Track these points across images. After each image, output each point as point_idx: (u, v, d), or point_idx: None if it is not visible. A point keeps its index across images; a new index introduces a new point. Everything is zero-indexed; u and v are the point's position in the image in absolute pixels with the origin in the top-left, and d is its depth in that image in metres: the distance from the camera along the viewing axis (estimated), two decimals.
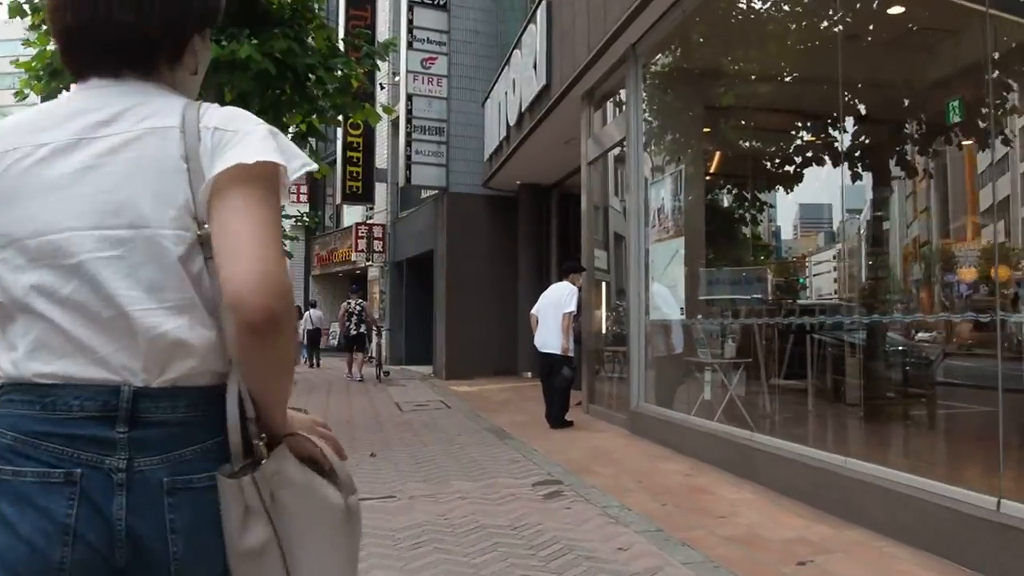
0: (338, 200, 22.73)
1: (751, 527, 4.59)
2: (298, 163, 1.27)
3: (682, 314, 7.35)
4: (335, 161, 22.05)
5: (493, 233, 16.97)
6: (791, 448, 5.35)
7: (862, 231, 7.37)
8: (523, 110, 12.18)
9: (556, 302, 8.84)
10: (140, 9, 1.27)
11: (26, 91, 9.70)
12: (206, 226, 1.19)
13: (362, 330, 16.80)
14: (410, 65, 16.65)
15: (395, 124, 20.29)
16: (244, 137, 1.22)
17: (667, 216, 7.52)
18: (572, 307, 8.71)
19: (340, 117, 11.59)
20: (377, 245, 21.99)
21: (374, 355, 17.47)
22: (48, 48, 9.36)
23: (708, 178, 8.10)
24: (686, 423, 6.97)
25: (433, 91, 16.86)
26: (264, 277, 1.12)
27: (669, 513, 4.97)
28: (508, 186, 16.51)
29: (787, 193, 8.04)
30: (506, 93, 13.34)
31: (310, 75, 10.08)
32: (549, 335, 8.76)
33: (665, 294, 7.74)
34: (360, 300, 17.32)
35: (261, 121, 1.28)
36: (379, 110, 12.50)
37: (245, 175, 1.18)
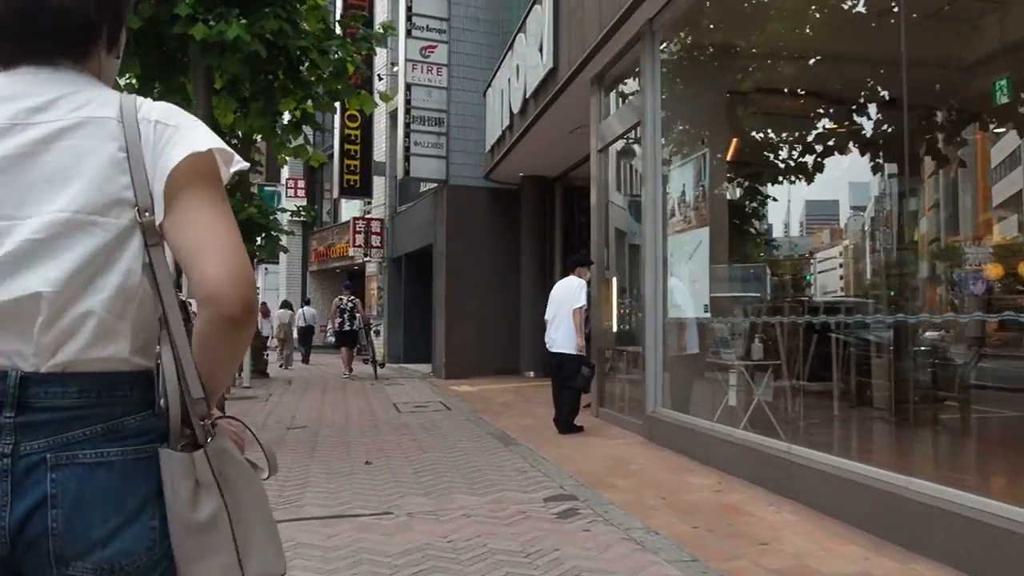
0: (335, 194, 22.17)
1: (800, 557, 4.00)
2: (234, 160, 1.31)
3: (706, 312, 6.76)
4: (332, 154, 21.52)
5: (495, 227, 16.38)
6: (839, 464, 4.76)
7: (893, 224, 6.84)
8: (528, 96, 11.59)
9: (564, 298, 8.28)
10: None
11: None
12: (147, 214, 1.22)
13: (354, 326, 16.65)
14: (409, 54, 16.05)
15: (393, 116, 19.76)
16: (188, 131, 1.26)
17: (688, 205, 6.93)
18: (581, 302, 8.15)
19: (335, 104, 11.02)
20: (375, 240, 21.39)
21: (368, 353, 17.10)
22: None
23: (732, 164, 7.50)
24: (711, 431, 6.38)
25: (432, 80, 16.25)
26: (240, 271, 1.20)
27: (702, 538, 4.38)
28: (510, 178, 15.92)
29: (808, 184, 7.48)
30: (509, 80, 12.75)
31: (303, 59, 9.50)
32: (558, 333, 8.19)
33: (684, 290, 7.16)
34: (352, 297, 17.08)
35: (196, 118, 1.31)
36: (376, 98, 11.94)
37: (199, 169, 1.23)
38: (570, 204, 16.49)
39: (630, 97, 8.98)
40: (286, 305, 22.25)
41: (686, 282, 7.12)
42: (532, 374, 15.52)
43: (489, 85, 14.83)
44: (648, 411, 7.54)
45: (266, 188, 21.57)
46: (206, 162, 1.24)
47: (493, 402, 11.54)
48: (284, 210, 20.81)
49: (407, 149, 15.90)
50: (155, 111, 1.27)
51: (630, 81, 9.02)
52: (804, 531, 4.41)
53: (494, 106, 14.29)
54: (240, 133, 15.47)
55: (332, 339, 17.97)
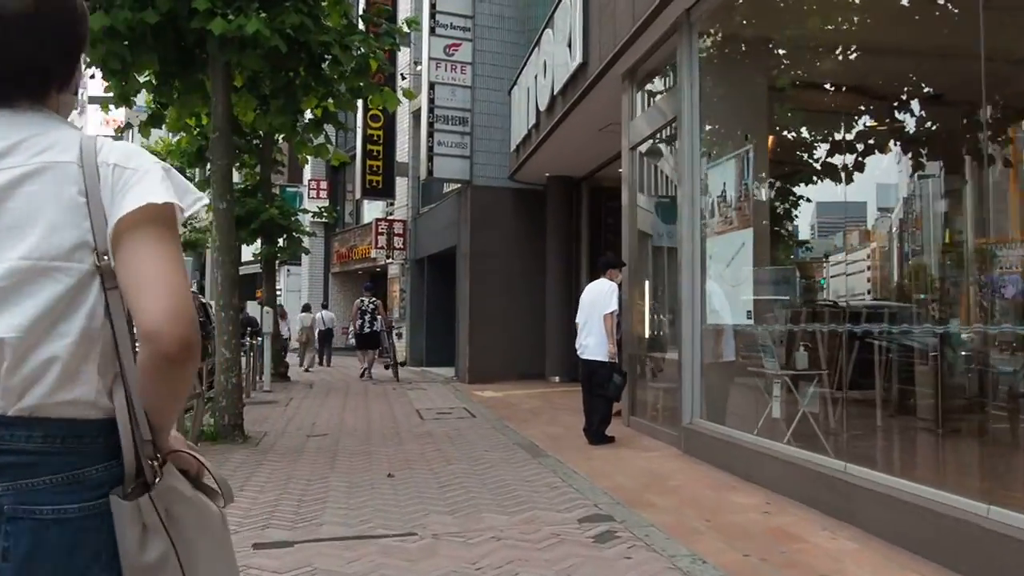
0: (358, 195, 21.91)
1: None
2: (191, 199, 1.33)
3: (749, 318, 6.37)
4: (354, 155, 21.27)
5: (519, 229, 16.04)
6: (905, 488, 4.35)
7: (933, 225, 6.45)
8: (555, 94, 11.24)
9: (595, 302, 7.92)
10: (38, 39, 1.31)
11: None
12: (106, 258, 1.24)
13: (375, 328, 16.48)
14: (433, 52, 15.76)
15: (416, 116, 19.49)
16: (144, 176, 1.28)
17: (729, 205, 6.55)
18: (613, 306, 7.78)
19: (358, 102, 10.74)
20: (397, 242, 21.12)
21: (390, 355, 16.86)
22: None
23: (775, 162, 7.11)
24: (755, 446, 6.00)
25: (456, 79, 15.95)
26: (178, 309, 1.20)
27: (756, 569, 4.00)
28: (536, 179, 15.58)
29: (845, 184, 7.08)
30: (536, 77, 12.40)
31: (325, 55, 9.21)
32: (590, 339, 7.83)
33: (724, 295, 6.78)
34: (373, 298, 16.93)
35: (155, 158, 1.33)
36: (399, 95, 11.63)
37: (150, 214, 1.24)
38: (597, 205, 16.12)
39: (664, 93, 8.61)
40: (307, 308, 22.00)
41: (726, 286, 6.75)
42: (558, 379, 15.16)
43: (515, 83, 14.50)
44: (684, 422, 7.16)
45: (288, 189, 21.35)
46: (158, 208, 1.25)
47: (519, 409, 11.20)
48: (306, 211, 20.57)
49: (430, 149, 15.60)
50: (114, 154, 1.29)
51: (665, 76, 8.65)
52: (870, 562, 4.02)
53: (520, 104, 13.95)
54: (261, 132, 15.29)
55: (352, 341, 17.77)
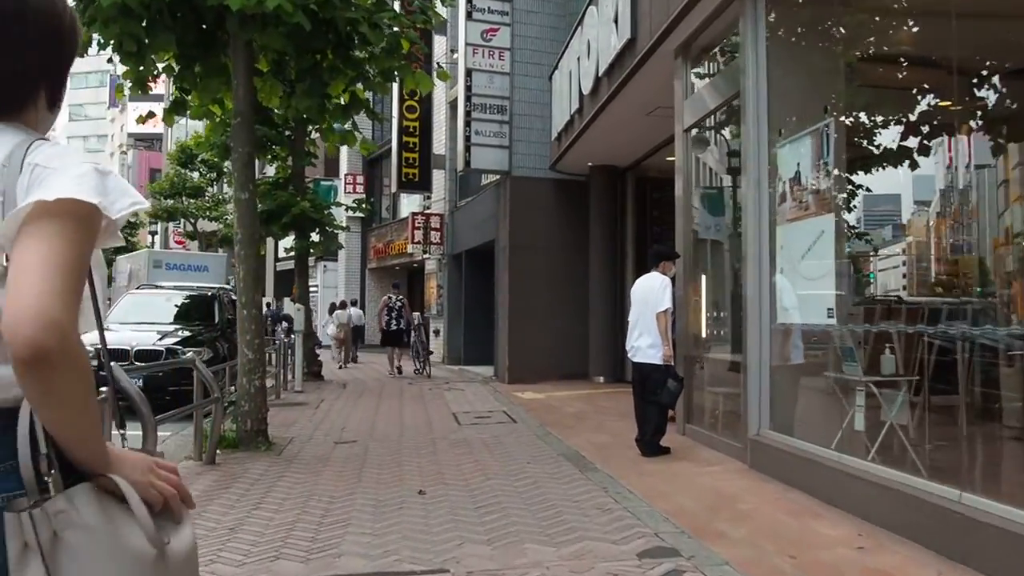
0: (393, 188, 21.30)
1: None
2: (125, 202, 1.26)
3: (831, 316, 5.56)
4: (390, 148, 20.70)
5: (561, 221, 15.32)
6: None
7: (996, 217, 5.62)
8: (600, 75, 10.49)
9: (646, 300, 7.18)
10: (21, 57, 1.32)
11: None
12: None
13: (401, 325, 16.68)
14: (469, 37, 15.09)
15: (453, 107, 18.85)
16: (60, 174, 1.22)
17: (805, 188, 5.75)
18: (667, 303, 7.03)
19: (389, 86, 10.10)
20: (434, 236, 20.48)
21: (415, 352, 16.94)
22: None
23: (855, 141, 6.29)
24: (839, 464, 5.21)
25: (494, 65, 15.27)
26: (35, 310, 1.09)
27: None
28: (578, 169, 14.84)
29: (911, 169, 6.27)
30: (579, 59, 11.67)
31: (353, 34, 8.57)
32: (641, 340, 7.09)
33: (798, 290, 6.00)
34: (401, 296, 17.20)
35: (90, 160, 1.27)
36: (434, 77, 10.97)
37: (46, 211, 1.17)
38: (642, 196, 15.36)
39: (723, 68, 7.83)
40: (343, 305, 21.52)
41: (800, 281, 5.96)
42: (602, 379, 14.42)
43: (555, 68, 13.77)
44: (751, 433, 6.39)
45: (323, 183, 20.83)
46: (51, 204, 1.16)
47: (562, 413, 10.49)
48: (339, 204, 20.03)
49: (467, 139, 14.94)
50: (41, 155, 1.25)
51: (724, 49, 7.88)
52: None
53: (561, 90, 13.22)
54: (292, 122, 14.74)
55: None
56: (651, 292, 7.16)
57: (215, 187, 30.25)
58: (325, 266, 28.46)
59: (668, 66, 8.60)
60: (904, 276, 6.96)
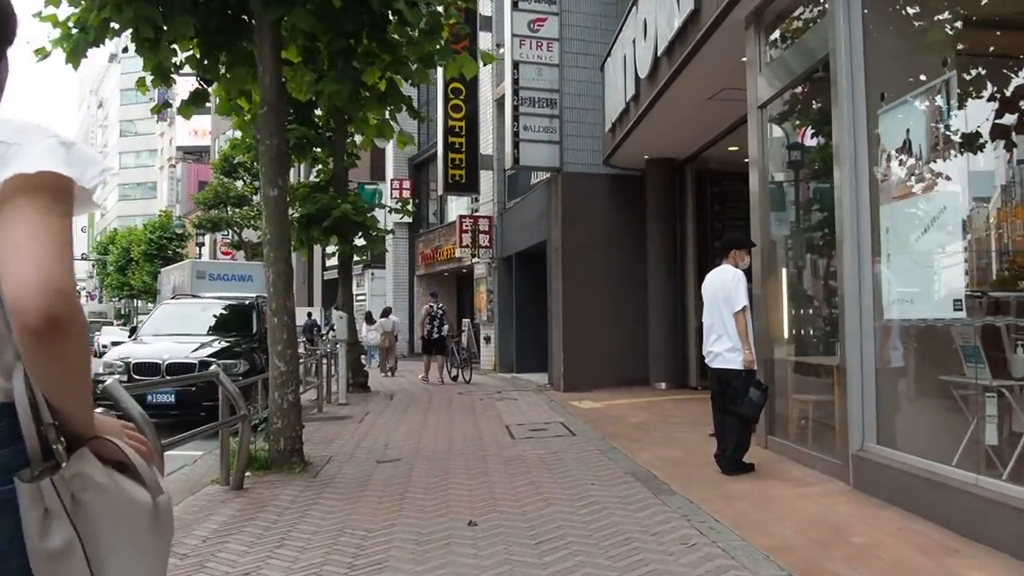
0: (440, 190, 20.64)
1: None
2: (94, 171, 1.27)
3: (958, 309, 4.61)
4: (436, 151, 20.05)
5: (616, 219, 14.44)
6: None
7: None
8: (659, 55, 9.62)
9: (718, 295, 6.29)
10: None
11: (49, 48, 7.80)
12: None
13: (443, 333, 16.67)
14: (516, 28, 14.33)
15: (500, 104, 18.12)
16: (29, 148, 1.23)
17: (919, 157, 4.82)
18: (742, 300, 6.13)
19: (429, 73, 9.36)
20: (483, 239, 19.71)
21: (456, 360, 16.99)
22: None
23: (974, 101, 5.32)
24: (980, 489, 4.26)
25: (543, 57, 14.48)
26: (43, 280, 1.12)
27: None
28: (633, 163, 13.96)
29: (1007, 150, 5.26)
30: (634, 41, 10.81)
31: (389, 13, 7.85)
32: (719, 344, 6.20)
33: (913, 279, 5.06)
34: (441, 304, 17.33)
35: (57, 133, 1.28)
36: (478, 59, 10.19)
37: (26, 185, 1.19)
38: (702, 190, 14.41)
39: (805, 32, 6.91)
40: (386, 312, 20.90)
41: (916, 267, 5.03)
42: (664, 385, 13.50)
43: (608, 55, 12.93)
44: (853, 448, 5.46)
45: (367, 187, 20.22)
46: (30, 178, 1.18)
47: (625, 424, 9.61)
48: (383, 206, 19.39)
49: (516, 135, 14.16)
50: (4, 130, 1.25)
51: (805, 11, 6.97)
52: None
53: (614, 78, 12.37)
54: (332, 121, 14.12)
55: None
56: (723, 287, 6.28)
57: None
58: (373, 274, 27.93)
59: (737, 39, 7.71)
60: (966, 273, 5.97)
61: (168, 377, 9.57)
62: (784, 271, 7.39)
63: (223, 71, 8.19)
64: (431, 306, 17.09)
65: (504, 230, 19.33)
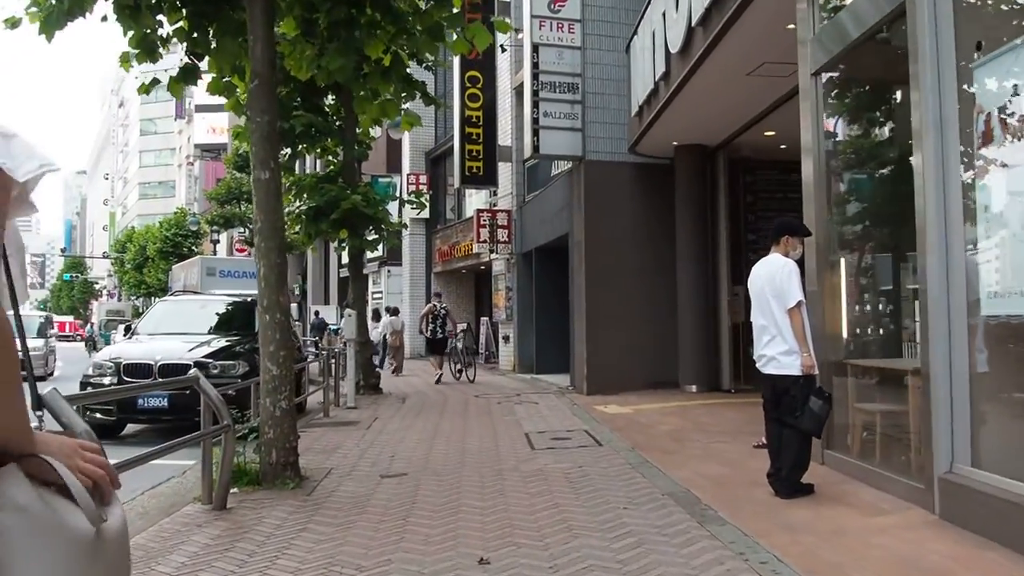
0: (456, 183, 19.81)
1: None
2: (32, 164, 1.19)
3: None
4: (453, 145, 19.25)
5: (643, 210, 13.55)
6: None
7: None
8: (693, 25, 8.74)
9: (767, 290, 5.41)
10: None
11: (20, 17, 7.06)
12: None
13: (445, 334, 16.64)
14: (535, 9, 13.46)
15: (519, 92, 17.28)
16: None
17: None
18: (797, 294, 5.25)
19: (437, 45, 8.53)
20: (501, 234, 18.83)
21: (456, 360, 16.90)
22: None
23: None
24: None
25: (563, 39, 13.59)
26: None
27: None
28: (661, 150, 13.07)
29: None
30: (664, 14, 9.94)
31: None
32: (773, 346, 5.31)
33: (1019, 268, 4.17)
34: (444, 304, 17.35)
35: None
36: (492, 30, 9.36)
37: None
38: (735, 179, 13.51)
39: None
40: (395, 311, 20.23)
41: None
42: (694, 388, 12.61)
43: (634, 33, 12.06)
44: (940, 470, 4.57)
45: (380, 180, 19.43)
46: None
47: (656, 432, 8.74)
48: (394, 197, 18.60)
49: (535, 121, 13.28)
50: None
51: None
52: None
53: (642, 56, 11.50)
54: (342, 110, 13.34)
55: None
56: (772, 280, 5.39)
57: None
58: (389, 271, 27.16)
59: (784, 2, 6.84)
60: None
61: (159, 379, 8.82)
62: (843, 260, 6.48)
63: (214, 45, 7.44)
64: (434, 306, 17.00)
65: (523, 224, 18.46)
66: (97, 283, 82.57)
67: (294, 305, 24.27)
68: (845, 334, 6.37)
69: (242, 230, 32.12)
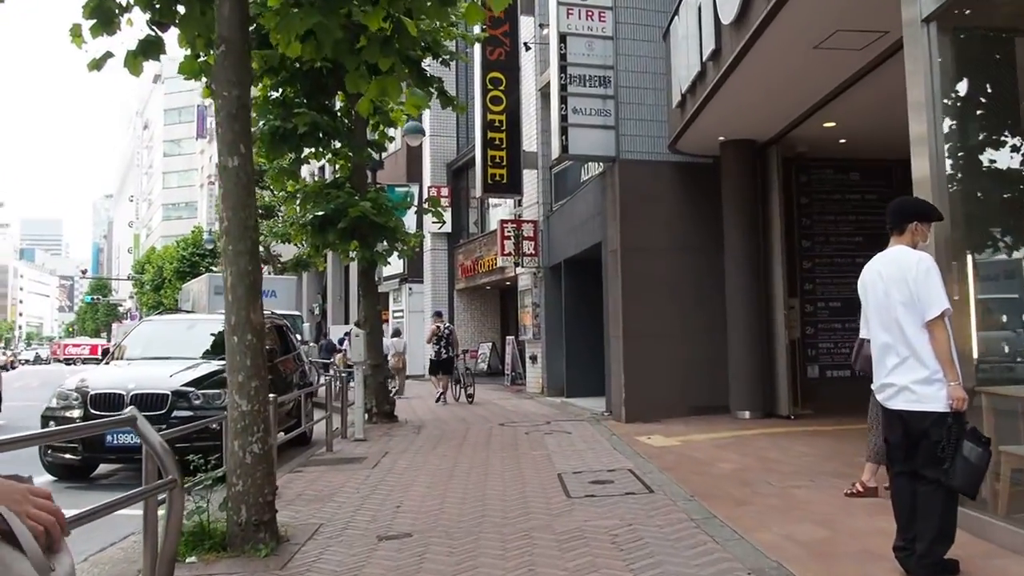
0: (479, 192, 18.55)
1: None
2: None
3: None
4: (475, 154, 17.97)
5: (686, 215, 12.13)
6: None
7: None
8: None
9: (891, 295, 3.95)
10: None
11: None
12: None
13: (450, 354, 16.56)
14: None
15: (545, 94, 16.00)
16: None
17: None
18: (941, 300, 3.78)
19: (446, 9, 7.21)
20: (527, 246, 17.47)
21: (462, 378, 16.70)
22: None
23: None
24: None
25: (594, 28, 12.27)
26: None
27: None
28: (705, 147, 11.68)
29: None
30: None
31: None
32: (905, 373, 3.84)
33: None
34: (448, 325, 17.33)
35: None
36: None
37: None
38: (788, 179, 12.09)
39: None
40: (397, 333, 19.21)
41: None
42: (747, 414, 11.13)
43: (675, 14, 10.70)
44: None
45: (397, 189, 18.15)
46: None
47: (716, 473, 7.27)
48: (410, 206, 17.36)
49: (563, 119, 11.93)
50: None
51: None
52: None
53: (684, 40, 10.14)
54: (352, 112, 12.07)
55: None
56: (900, 284, 3.90)
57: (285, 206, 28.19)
58: (411, 288, 25.88)
59: None
60: None
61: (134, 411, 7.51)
62: (969, 257, 5.02)
63: (183, 11, 6.18)
64: (438, 327, 16.73)
65: (551, 235, 17.08)
66: (121, 305, 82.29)
67: (307, 325, 23.06)
68: (975, 353, 4.90)
69: None
